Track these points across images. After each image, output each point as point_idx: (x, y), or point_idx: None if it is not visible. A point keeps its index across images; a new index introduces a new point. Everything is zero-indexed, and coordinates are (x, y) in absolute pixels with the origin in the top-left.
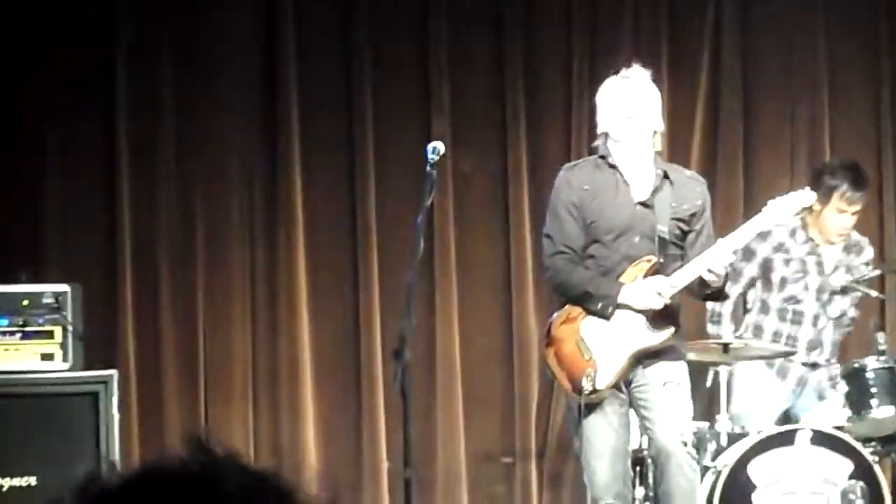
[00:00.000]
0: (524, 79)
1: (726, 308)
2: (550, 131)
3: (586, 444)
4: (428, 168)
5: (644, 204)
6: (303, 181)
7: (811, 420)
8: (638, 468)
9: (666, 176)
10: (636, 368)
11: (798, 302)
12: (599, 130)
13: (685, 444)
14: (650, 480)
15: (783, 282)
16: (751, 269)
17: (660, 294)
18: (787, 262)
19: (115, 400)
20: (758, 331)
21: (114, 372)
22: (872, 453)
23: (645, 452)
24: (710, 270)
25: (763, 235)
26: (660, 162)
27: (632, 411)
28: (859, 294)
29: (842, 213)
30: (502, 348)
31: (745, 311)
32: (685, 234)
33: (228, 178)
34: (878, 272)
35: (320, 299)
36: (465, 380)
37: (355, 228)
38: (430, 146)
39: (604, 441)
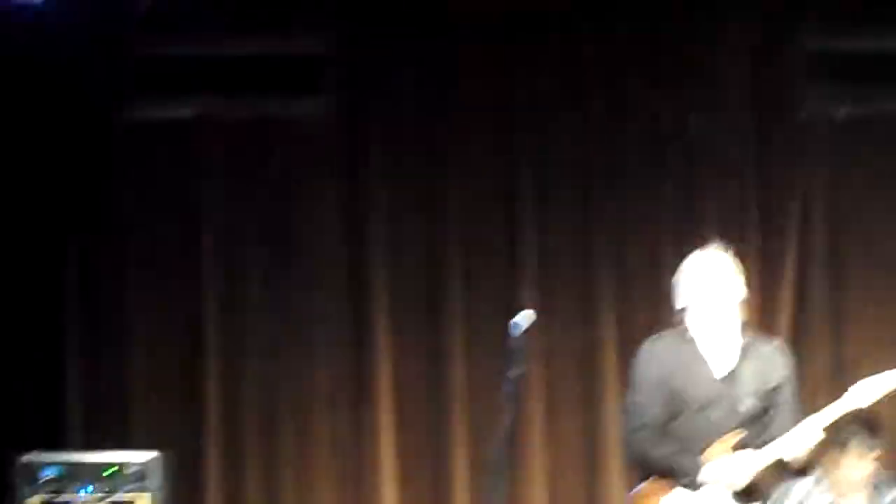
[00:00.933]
0: (614, 246)
1: None
2: (637, 305)
3: None
4: (515, 337)
5: (725, 379)
6: (388, 355)
7: None
8: None
9: (749, 350)
10: None
11: None
12: (681, 304)
13: None
14: None
15: None
16: None
17: (744, 476)
18: None
19: None
20: None
21: None
22: None
23: None
24: (792, 451)
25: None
26: (745, 334)
27: None
28: None
29: (858, 466)
30: None
31: None
32: (768, 407)
33: (314, 349)
34: None
35: (406, 474)
36: None
37: (439, 401)
38: (520, 315)
39: None
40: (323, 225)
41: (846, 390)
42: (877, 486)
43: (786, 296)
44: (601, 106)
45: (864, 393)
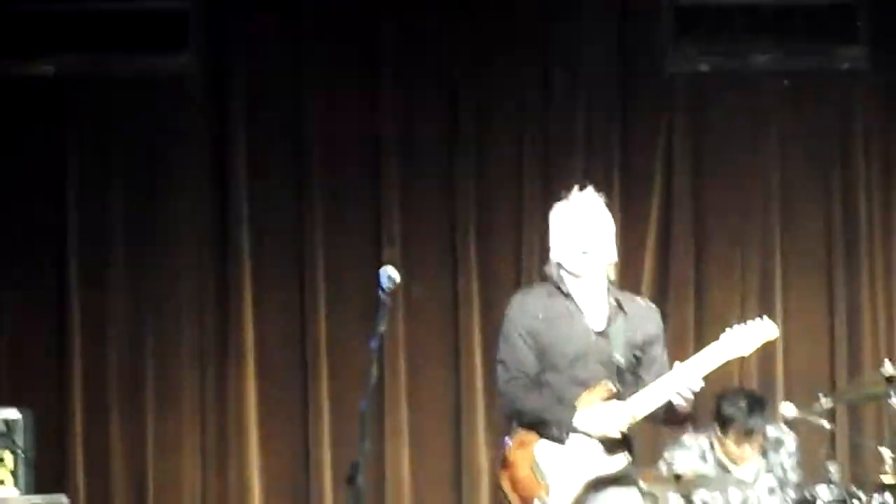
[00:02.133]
0: (475, 205)
1: None
2: (500, 259)
3: None
4: (381, 294)
5: (600, 334)
6: (253, 310)
7: None
8: None
9: (620, 306)
10: (588, 494)
11: None
12: (552, 258)
13: None
14: None
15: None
16: None
17: (618, 425)
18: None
19: None
20: None
21: (64, 499)
22: None
23: None
24: (679, 394)
25: (681, 443)
26: (613, 291)
27: None
28: (790, 488)
29: (741, 445)
30: (452, 473)
31: None
32: (640, 361)
33: (179, 308)
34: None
35: (270, 427)
36: None
37: (305, 356)
38: (383, 272)
39: None
40: (185, 182)
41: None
42: (765, 453)
43: (649, 254)
44: (467, 55)
45: (738, 341)
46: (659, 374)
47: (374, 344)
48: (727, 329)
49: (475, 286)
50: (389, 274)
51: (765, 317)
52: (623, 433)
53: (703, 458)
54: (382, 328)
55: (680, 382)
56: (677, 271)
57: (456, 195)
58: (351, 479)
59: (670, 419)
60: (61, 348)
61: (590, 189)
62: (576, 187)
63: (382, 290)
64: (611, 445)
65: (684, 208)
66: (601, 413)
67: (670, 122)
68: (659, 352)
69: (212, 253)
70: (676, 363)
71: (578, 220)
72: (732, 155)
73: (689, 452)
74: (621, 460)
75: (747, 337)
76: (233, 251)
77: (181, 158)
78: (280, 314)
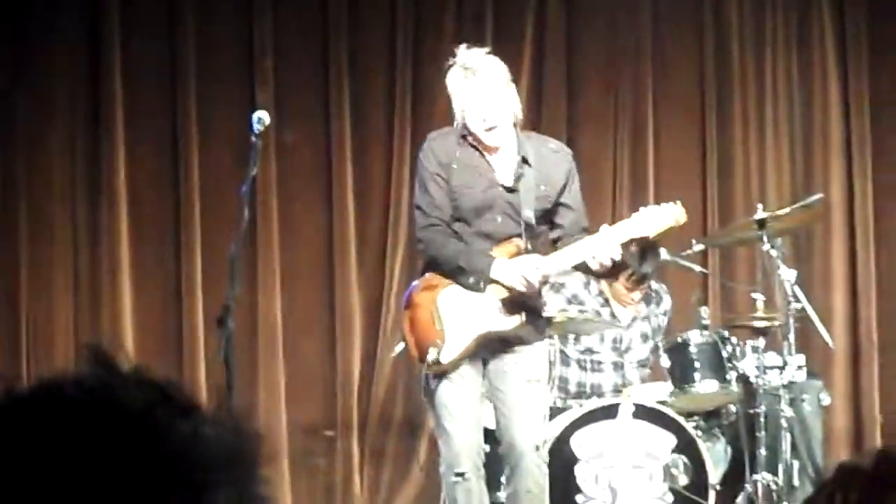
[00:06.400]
0: (348, 50)
1: None
2: (373, 102)
3: (440, 411)
4: (252, 138)
5: (508, 189)
6: (125, 150)
7: (634, 394)
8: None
9: (525, 161)
10: (498, 353)
11: (595, 353)
12: (457, 119)
13: (538, 448)
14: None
15: (578, 335)
16: None
17: (528, 280)
18: (581, 313)
19: None
20: (563, 382)
21: None
22: (695, 428)
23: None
24: (595, 258)
25: (556, 287)
26: (522, 139)
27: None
28: (658, 341)
29: (632, 291)
30: (324, 318)
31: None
32: (551, 212)
33: (50, 147)
34: (701, 247)
35: (143, 268)
36: (286, 350)
37: (178, 197)
38: (254, 116)
39: (458, 410)
40: (58, 23)
41: None
42: (646, 300)
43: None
44: None
45: (650, 220)
46: (575, 222)
47: (244, 188)
48: (640, 208)
49: (348, 129)
50: (260, 116)
51: (678, 202)
52: (530, 293)
53: (587, 286)
54: (254, 172)
55: (598, 248)
56: (550, 121)
57: (328, 38)
58: (221, 322)
59: (595, 272)
60: None
61: (476, 51)
62: (462, 46)
63: (253, 133)
64: (509, 304)
65: (557, 60)
66: (515, 266)
67: None
68: (572, 197)
69: (84, 92)
70: (603, 228)
71: (476, 91)
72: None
73: (573, 279)
74: (516, 320)
75: (658, 217)
76: (105, 93)
77: None
78: (153, 157)
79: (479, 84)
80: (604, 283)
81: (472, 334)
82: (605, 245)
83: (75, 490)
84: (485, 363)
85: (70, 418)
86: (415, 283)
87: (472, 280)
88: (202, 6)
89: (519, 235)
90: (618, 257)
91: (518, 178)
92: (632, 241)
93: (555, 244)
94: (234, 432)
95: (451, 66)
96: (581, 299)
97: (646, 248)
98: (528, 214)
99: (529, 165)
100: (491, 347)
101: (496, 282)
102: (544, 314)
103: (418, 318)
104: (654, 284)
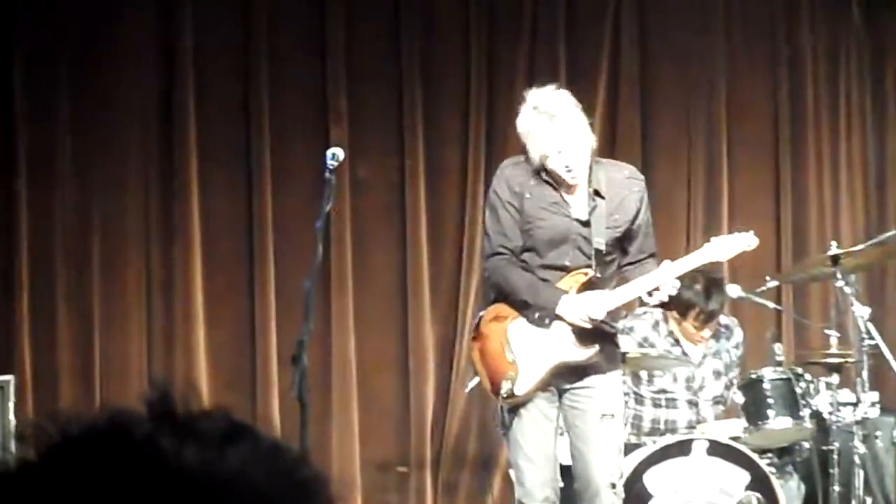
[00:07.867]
0: (422, 86)
1: None
2: (446, 139)
3: (514, 446)
4: (326, 174)
5: (583, 223)
6: (199, 188)
7: (708, 430)
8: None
9: (598, 193)
10: (574, 387)
11: (668, 392)
12: (534, 160)
13: (614, 486)
14: None
15: (651, 376)
16: None
17: (591, 318)
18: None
19: (10, 405)
20: (637, 419)
21: (10, 378)
22: (769, 464)
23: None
24: (650, 294)
25: (626, 331)
26: (594, 168)
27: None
28: (731, 377)
29: (699, 329)
30: (398, 355)
31: None
32: (622, 237)
33: (125, 185)
34: (774, 284)
35: (216, 306)
36: (360, 387)
37: (251, 235)
38: (329, 152)
39: (532, 446)
40: (131, 48)
41: None
42: (716, 336)
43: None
44: None
45: (721, 248)
46: (642, 246)
47: (319, 224)
48: (712, 238)
49: (421, 167)
50: (334, 152)
51: (751, 231)
52: (603, 324)
53: (656, 328)
54: (328, 208)
55: (658, 283)
56: (624, 160)
57: (402, 75)
58: (296, 359)
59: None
60: (6, 228)
61: (550, 89)
62: (533, 88)
63: (328, 169)
64: (583, 335)
65: (631, 96)
66: (580, 305)
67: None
68: (642, 223)
69: (158, 130)
70: (664, 263)
71: (559, 140)
72: (678, 38)
73: (642, 322)
74: (591, 351)
75: (729, 245)
76: (179, 133)
77: (127, 37)
78: (226, 196)
79: (560, 130)
80: (673, 323)
81: (547, 365)
82: (662, 281)
83: None
84: (560, 395)
85: (107, 472)
86: (481, 312)
87: (536, 315)
88: (275, 44)
89: (589, 266)
90: (673, 292)
91: (592, 209)
92: (699, 277)
93: (620, 270)
94: (293, 485)
95: (524, 107)
96: (651, 341)
97: (710, 285)
98: (599, 241)
99: (602, 197)
100: (565, 377)
101: (561, 318)
102: (618, 342)
103: (488, 349)
104: (723, 319)
